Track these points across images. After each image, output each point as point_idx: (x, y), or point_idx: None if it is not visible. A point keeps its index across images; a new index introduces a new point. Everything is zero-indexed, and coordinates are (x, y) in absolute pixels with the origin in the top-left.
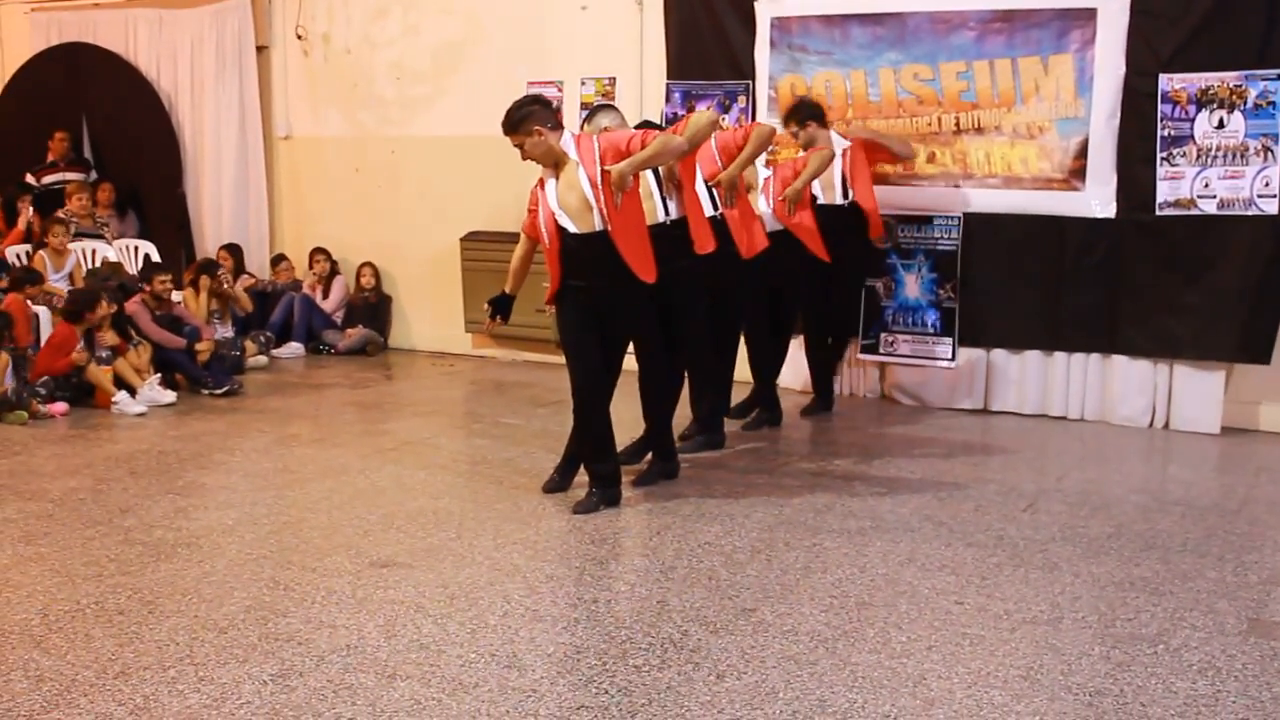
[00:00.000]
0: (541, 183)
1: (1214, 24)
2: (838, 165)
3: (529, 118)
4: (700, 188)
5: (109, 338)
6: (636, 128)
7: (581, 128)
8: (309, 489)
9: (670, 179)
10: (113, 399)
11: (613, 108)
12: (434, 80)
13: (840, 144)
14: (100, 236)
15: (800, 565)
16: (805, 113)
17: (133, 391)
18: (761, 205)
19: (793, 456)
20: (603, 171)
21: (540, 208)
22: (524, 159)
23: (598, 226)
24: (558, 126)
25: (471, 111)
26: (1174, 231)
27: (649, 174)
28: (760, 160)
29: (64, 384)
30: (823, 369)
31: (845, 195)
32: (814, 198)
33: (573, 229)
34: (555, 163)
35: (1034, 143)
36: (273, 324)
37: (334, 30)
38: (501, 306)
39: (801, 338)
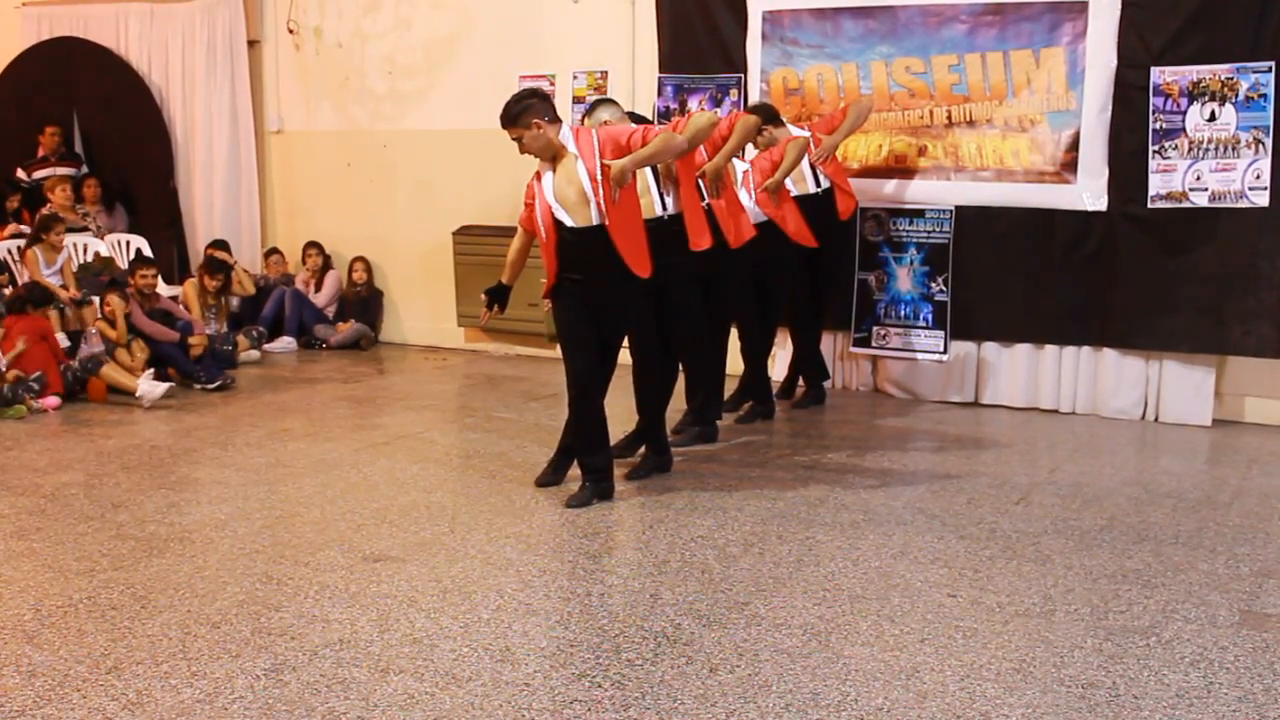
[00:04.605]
0: (538, 176)
1: (1205, 17)
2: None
3: (527, 111)
4: None
5: (98, 335)
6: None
7: (582, 121)
8: (301, 483)
9: (668, 175)
10: (135, 391)
11: (613, 102)
12: (426, 74)
13: (802, 134)
14: (85, 229)
15: (793, 558)
16: (762, 117)
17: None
18: (744, 198)
19: (785, 450)
20: (602, 166)
21: (537, 201)
22: (522, 152)
23: (594, 220)
24: (556, 119)
25: (464, 105)
26: (1166, 224)
27: (647, 169)
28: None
29: (82, 372)
30: (811, 355)
31: (818, 183)
32: (788, 191)
33: (569, 222)
34: (553, 156)
35: (1025, 135)
36: (264, 318)
37: (325, 24)
38: (498, 296)
39: (788, 332)
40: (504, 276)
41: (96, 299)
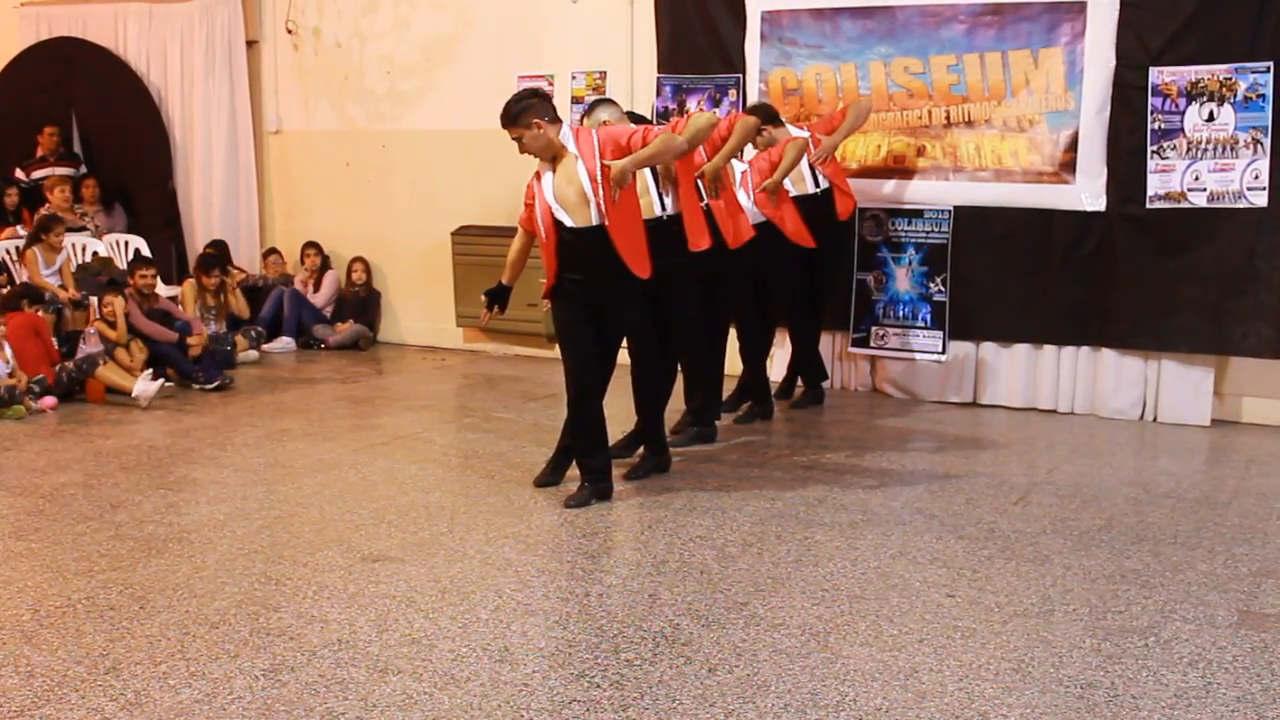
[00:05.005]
0: (538, 176)
1: (1204, 17)
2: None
3: (528, 110)
4: None
5: (97, 335)
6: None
7: (581, 121)
8: (300, 484)
9: (667, 176)
10: (132, 391)
11: (612, 102)
12: (424, 74)
13: (801, 135)
14: (84, 229)
15: (792, 558)
16: (761, 117)
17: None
18: (743, 198)
19: (784, 450)
20: (602, 166)
21: (537, 201)
22: (522, 152)
23: (594, 220)
24: (556, 120)
25: (462, 105)
26: (1164, 224)
27: (646, 170)
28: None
29: (57, 380)
30: (809, 355)
31: (816, 183)
32: (786, 192)
33: (569, 223)
34: (553, 156)
35: (1024, 136)
36: (263, 318)
37: (324, 24)
38: (498, 297)
39: (786, 332)
40: (504, 277)
41: (95, 299)
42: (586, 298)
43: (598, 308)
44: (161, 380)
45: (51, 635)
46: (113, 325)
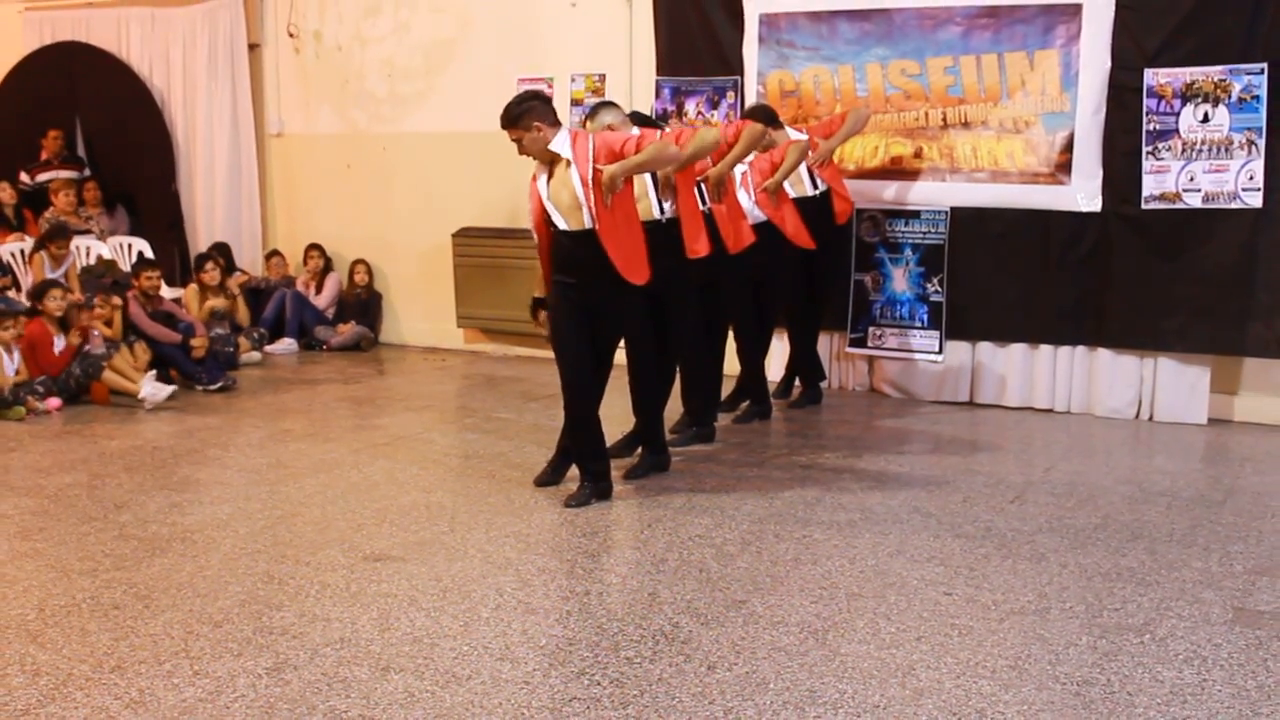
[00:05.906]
0: (535, 177)
1: (1199, 18)
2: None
3: (528, 113)
4: None
5: (100, 335)
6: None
7: (583, 124)
8: (302, 484)
9: (666, 183)
10: (138, 394)
11: (615, 105)
12: (425, 77)
13: (801, 138)
14: (89, 232)
15: (790, 557)
16: (760, 120)
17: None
18: (743, 198)
19: (782, 449)
20: (594, 170)
21: (531, 199)
22: (521, 154)
23: (588, 224)
24: (556, 123)
25: (463, 108)
26: (1159, 225)
27: (645, 174)
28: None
29: (63, 385)
30: (808, 355)
31: (815, 185)
32: (786, 193)
33: (563, 225)
34: (551, 159)
35: (1020, 137)
36: (265, 320)
37: (325, 28)
38: (542, 304)
39: (785, 333)
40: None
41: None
42: (581, 300)
43: (593, 311)
44: (172, 388)
45: (56, 634)
46: (109, 324)
